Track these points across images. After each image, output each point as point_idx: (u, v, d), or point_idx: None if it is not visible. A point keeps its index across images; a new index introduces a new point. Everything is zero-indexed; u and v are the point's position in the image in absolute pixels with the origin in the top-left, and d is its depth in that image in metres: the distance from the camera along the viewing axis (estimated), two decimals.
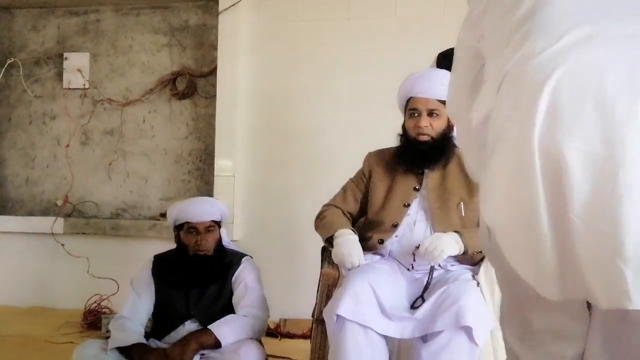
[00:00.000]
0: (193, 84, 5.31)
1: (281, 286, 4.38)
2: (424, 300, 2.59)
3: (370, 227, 2.93)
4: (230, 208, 4.37)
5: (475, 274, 2.70)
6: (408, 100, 2.91)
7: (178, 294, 3.16)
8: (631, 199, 1.20)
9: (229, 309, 3.12)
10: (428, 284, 2.67)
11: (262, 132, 5.04)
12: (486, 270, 2.68)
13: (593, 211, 1.23)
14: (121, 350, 2.95)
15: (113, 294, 4.86)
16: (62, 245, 5.15)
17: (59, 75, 5.51)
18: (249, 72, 5.04)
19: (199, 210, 3.18)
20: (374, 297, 2.57)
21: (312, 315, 3.04)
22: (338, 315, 2.53)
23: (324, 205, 3.09)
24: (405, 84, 2.93)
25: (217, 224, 3.24)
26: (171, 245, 3.39)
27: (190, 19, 5.37)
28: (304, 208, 4.77)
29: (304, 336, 4.49)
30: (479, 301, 2.48)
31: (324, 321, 2.67)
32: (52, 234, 5.18)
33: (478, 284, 2.62)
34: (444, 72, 2.95)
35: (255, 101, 5.04)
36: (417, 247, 2.71)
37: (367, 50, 4.82)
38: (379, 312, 2.55)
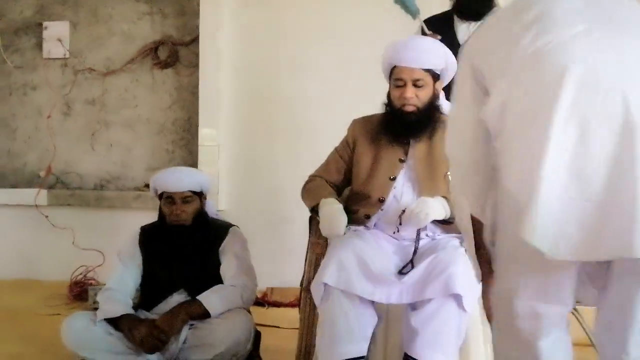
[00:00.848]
0: (175, 53, 5.25)
1: (267, 255, 4.38)
2: (413, 266, 2.59)
3: (356, 200, 2.90)
4: (215, 178, 4.38)
5: (462, 242, 2.71)
6: (392, 69, 2.85)
7: (165, 265, 3.16)
8: None
9: (217, 280, 3.13)
10: (416, 249, 2.67)
11: (246, 101, 5.01)
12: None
13: None
14: (110, 321, 2.97)
15: (99, 266, 4.85)
16: (46, 217, 5.12)
17: (39, 45, 5.42)
18: (232, 40, 4.99)
19: (176, 179, 3.16)
20: (357, 264, 2.57)
21: (301, 285, 3.05)
22: (324, 284, 2.54)
23: (310, 176, 3.06)
24: (389, 51, 2.86)
25: (198, 194, 3.20)
26: (156, 215, 3.38)
27: None
28: (290, 177, 4.75)
29: (291, 305, 4.52)
30: (467, 269, 2.49)
31: None
32: (36, 205, 5.15)
33: (466, 250, 2.62)
34: (429, 40, 2.95)
35: (239, 70, 5.00)
36: (403, 212, 2.70)
37: (353, 17, 4.78)
38: (364, 277, 2.55)
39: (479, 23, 3.42)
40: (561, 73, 1.54)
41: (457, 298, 2.41)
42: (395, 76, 2.82)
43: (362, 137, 2.98)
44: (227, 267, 3.13)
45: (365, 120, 3.04)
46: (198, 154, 5.02)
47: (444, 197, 2.70)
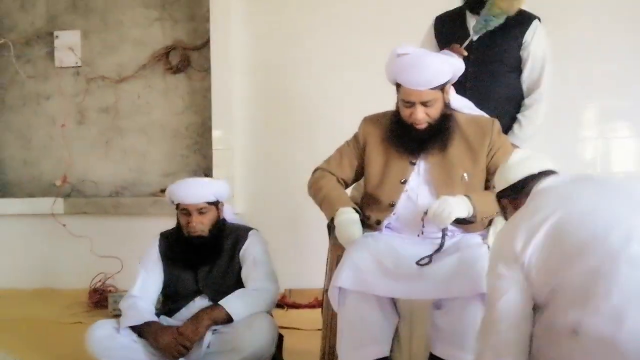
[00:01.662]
0: (187, 58, 5.28)
1: (285, 257, 4.37)
2: (430, 261, 2.56)
3: (368, 205, 2.87)
4: (230, 181, 4.37)
5: (484, 238, 2.70)
6: (399, 85, 2.76)
7: (186, 271, 3.18)
8: None
9: (239, 284, 3.14)
10: (441, 245, 2.63)
11: (259, 103, 5.01)
12: (495, 233, 2.67)
13: None
14: (133, 328, 2.97)
15: (117, 272, 4.88)
16: (64, 225, 5.15)
17: (51, 54, 5.45)
18: (243, 43, 5.00)
19: (190, 192, 3.14)
20: (373, 263, 2.56)
21: (324, 287, 3.03)
22: (340, 289, 2.54)
23: (319, 170, 3.01)
24: (393, 67, 2.75)
25: (214, 204, 3.20)
26: (173, 221, 3.38)
27: None
28: (305, 178, 4.74)
29: (310, 306, 4.54)
30: None
31: None
32: (53, 214, 5.18)
33: (489, 247, 2.61)
34: (433, 58, 2.78)
35: (250, 73, 5.01)
36: (425, 213, 2.65)
37: (363, 15, 4.78)
38: (382, 275, 2.54)
39: None
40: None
41: (483, 296, 2.40)
42: (403, 96, 2.74)
43: (372, 137, 2.93)
44: (249, 271, 3.13)
45: (376, 119, 2.98)
46: (212, 157, 5.03)
47: (466, 195, 2.65)
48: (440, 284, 2.49)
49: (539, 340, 1.82)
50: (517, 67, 3.37)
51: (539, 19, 3.38)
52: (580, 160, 4.78)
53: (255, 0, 5.01)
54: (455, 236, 2.73)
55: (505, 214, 2.18)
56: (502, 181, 2.15)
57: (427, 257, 2.57)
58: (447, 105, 2.80)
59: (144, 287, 3.17)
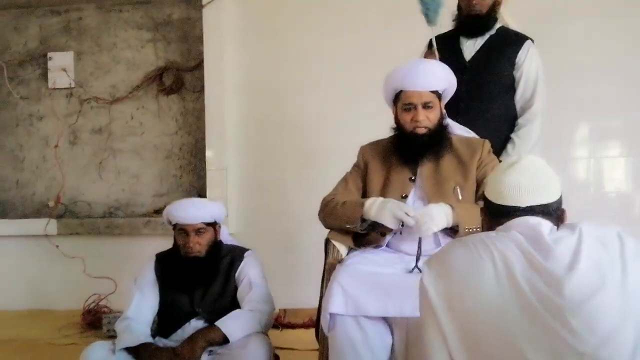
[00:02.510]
0: (180, 79, 5.30)
1: (279, 277, 4.35)
2: (418, 269, 2.60)
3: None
4: (223, 201, 4.38)
5: None
6: (398, 94, 2.88)
7: (182, 292, 3.17)
8: None
9: (234, 305, 3.13)
10: (418, 255, 2.67)
11: (253, 124, 5.04)
12: None
13: None
14: (129, 350, 2.96)
15: (111, 293, 4.87)
16: (57, 246, 5.14)
17: (44, 75, 5.47)
18: (237, 64, 5.03)
19: (187, 213, 3.15)
20: (362, 285, 2.57)
21: (319, 306, 3.03)
22: (331, 314, 2.54)
23: (328, 196, 3.02)
24: (394, 77, 2.88)
25: (211, 225, 3.21)
26: (167, 241, 3.40)
27: (174, 13, 5.35)
28: (299, 199, 4.80)
29: (304, 326, 4.52)
30: None
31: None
32: (46, 235, 5.16)
33: None
34: (432, 63, 2.98)
35: (244, 94, 5.04)
36: (402, 225, 2.69)
37: (357, 40, 4.83)
38: (373, 295, 2.55)
39: (485, 38, 3.45)
40: None
41: None
42: (403, 101, 2.85)
43: (372, 159, 3.02)
44: (244, 292, 3.13)
45: (373, 145, 3.09)
46: (206, 178, 5.04)
47: (449, 204, 2.68)
48: None
49: None
50: (511, 87, 3.43)
51: (532, 40, 3.43)
52: (573, 180, 4.81)
53: (249, 21, 5.03)
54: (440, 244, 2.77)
55: (482, 223, 1.99)
56: (490, 188, 1.88)
57: (413, 268, 2.65)
58: (443, 116, 2.92)
59: (140, 308, 3.16)
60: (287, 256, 4.85)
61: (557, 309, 1.58)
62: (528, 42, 3.41)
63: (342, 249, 2.90)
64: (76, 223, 5.26)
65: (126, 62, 5.39)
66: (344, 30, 4.85)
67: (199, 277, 3.15)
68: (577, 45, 4.61)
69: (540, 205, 1.77)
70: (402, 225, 2.71)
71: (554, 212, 1.79)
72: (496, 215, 1.82)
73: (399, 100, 2.88)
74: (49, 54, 5.44)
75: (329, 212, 2.95)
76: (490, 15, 3.46)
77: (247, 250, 3.30)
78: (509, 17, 3.56)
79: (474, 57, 3.42)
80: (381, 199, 2.78)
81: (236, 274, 3.19)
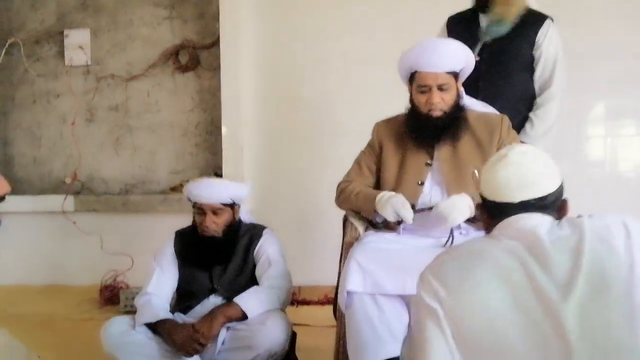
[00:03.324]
0: (196, 57, 5.30)
1: (295, 254, 4.36)
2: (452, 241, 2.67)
3: None
4: (239, 179, 4.40)
5: None
6: (413, 74, 2.84)
7: (201, 269, 3.20)
8: None
9: (253, 282, 3.16)
10: (451, 242, 2.71)
11: (269, 102, 5.03)
12: None
13: None
14: (148, 326, 2.99)
15: (128, 269, 4.92)
16: (74, 222, 5.18)
17: (61, 53, 5.47)
18: (253, 41, 5.01)
19: (206, 192, 3.16)
20: (379, 262, 2.58)
21: (337, 283, 3.05)
22: (348, 292, 2.56)
23: (342, 183, 3.03)
24: (409, 56, 2.83)
25: (230, 205, 3.22)
26: (183, 218, 3.44)
27: None
28: (315, 177, 4.81)
29: (320, 302, 4.56)
30: None
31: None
32: (63, 212, 5.20)
33: None
34: (448, 42, 2.92)
35: (260, 71, 5.03)
36: (430, 209, 2.70)
37: (375, 13, 4.80)
38: (391, 273, 2.56)
39: None
40: None
41: None
42: (419, 82, 2.81)
43: (387, 140, 3.00)
44: (263, 270, 3.16)
45: (388, 123, 3.06)
46: (222, 156, 5.05)
47: (470, 195, 2.67)
48: None
49: None
50: (530, 67, 3.41)
51: (552, 19, 3.41)
52: (588, 159, 4.81)
53: None
54: (468, 234, 2.76)
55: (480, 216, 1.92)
56: (483, 185, 1.84)
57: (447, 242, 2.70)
58: (460, 96, 2.87)
59: (159, 284, 3.19)
60: (303, 233, 4.86)
61: (558, 324, 1.52)
62: (548, 21, 3.39)
63: (359, 226, 2.92)
64: (93, 200, 5.29)
65: (142, 40, 5.39)
66: (363, 5, 4.82)
67: (216, 256, 3.18)
68: (595, 23, 4.58)
69: (535, 199, 1.70)
70: (402, 222, 2.72)
71: (551, 205, 1.72)
72: (492, 211, 1.77)
73: (414, 81, 2.84)
74: (66, 32, 5.44)
75: (344, 200, 2.97)
76: None
77: (266, 228, 3.32)
78: None
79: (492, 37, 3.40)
80: (390, 193, 2.76)
81: (255, 252, 3.21)
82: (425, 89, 2.79)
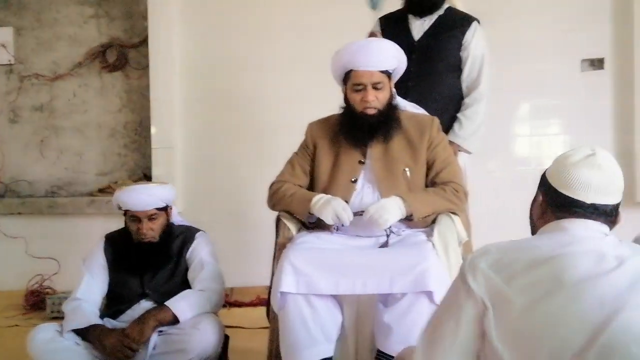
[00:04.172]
0: (124, 55, 5.22)
1: (227, 255, 4.33)
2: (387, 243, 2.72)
3: None
4: (170, 180, 4.35)
5: (429, 236, 2.76)
6: (347, 73, 2.87)
7: (132, 274, 3.14)
8: None
9: (185, 286, 3.13)
10: (386, 244, 2.74)
11: (199, 101, 4.99)
12: (440, 232, 2.75)
13: None
14: (77, 332, 2.93)
15: (54, 274, 4.81)
16: None
17: None
18: (183, 40, 4.96)
19: (138, 200, 3.10)
20: (313, 262, 2.59)
21: (270, 284, 3.05)
22: (282, 293, 2.56)
23: (274, 183, 3.03)
24: (344, 55, 2.86)
25: (163, 209, 3.18)
26: (112, 220, 3.38)
27: None
28: (249, 177, 4.78)
29: (252, 304, 4.55)
30: (437, 264, 2.55)
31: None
32: None
33: (433, 245, 2.68)
34: (382, 42, 2.97)
35: (191, 70, 4.98)
36: (362, 213, 2.73)
37: (307, 13, 4.80)
38: (325, 273, 2.57)
39: (434, 18, 3.48)
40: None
41: (429, 294, 2.46)
42: (354, 80, 2.84)
43: (321, 139, 3.01)
44: (195, 273, 3.12)
45: (322, 123, 3.08)
46: (151, 156, 4.98)
47: (400, 196, 2.74)
48: (382, 277, 2.53)
49: None
50: (458, 67, 3.48)
51: (478, 21, 3.48)
52: (514, 157, 4.93)
53: None
54: (401, 234, 2.80)
55: (533, 202, 1.86)
56: (556, 174, 1.76)
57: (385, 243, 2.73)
58: (393, 96, 2.92)
59: (88, 290, 3.12)
60: (235, 234, 4.82)
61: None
62: (475, 23, 3.46)
63: (292, 227, 2.92)
64: (17, 202, 5.14)
65: (68, 38, 5.26)
66: (294, 4, 4.83)
67: (151, 261, 3.12)
68: (519, 25, 4.69)
69: (603, 205, 1.70)
70: (342, 225, 2.76)
71: (612, 213, 1.73)
72: (556, 202, 1.73)
73: (349, 80, 2.86)
74: None
75: (277, 202, 2.97)
76: None
77: (199, 231, 3.29)
78: None
79: (422, 37, 3.46)
80: (327, 196, 2.79)
81: (187, 255, 3.18)
82: (360, 87, 2.83)
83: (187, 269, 3.17)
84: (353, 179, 2.88)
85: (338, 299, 2.66)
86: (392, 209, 2.68)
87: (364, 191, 2.88)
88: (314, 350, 2.54)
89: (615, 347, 1.46)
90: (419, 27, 3.49)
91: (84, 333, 2.92)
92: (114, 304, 3.17)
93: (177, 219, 3.35)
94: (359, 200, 2.85)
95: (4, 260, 5.06)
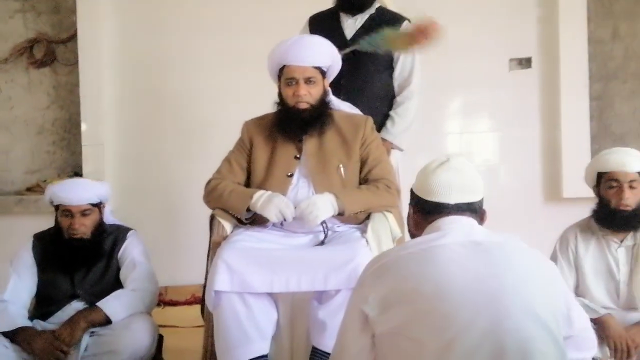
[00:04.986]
0: (52, 51, 5.10)
1: (160, 253, 4.30)
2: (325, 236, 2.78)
3: None
4: (100, 177, 4.29)
5: (363, 232, 2.81)
6: (282, 69, 2.92)
7: (62, 274, 3.09)
8: None
9: (117, 286, 3.09)
10: (324, 239, 2.80)
11: (129, 97, 4.92)
12: (373, 228, 2.80)
13: None
14: (5, 334, 2.87)
15: None
16: None
17: None
18: (113, 36, 4.89)
19: (73, 193, 3.06)
20: (247, 259, 2.61)
21: (204, 283, 3.03)
22: (216, 291, 2.57)
23: (212, 180, 3.01)
24: (277, 52, 2.92)
25: (96, 205, 3.14)
26: (41, 220, 3.32)
27: None
28: (181, 174, 4.75)
29: (187, 302, 4.52)
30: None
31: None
32: None
33: (367, 241, 2.72)
34: (316, 38, 3.02)
35: (122, 66, 4.91)
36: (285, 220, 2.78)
37: (239, 11, 4.79)
38: (259, 270, 2.59)
39: (365, 17, 3.51)
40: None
41: None
42: (286, 75, 2.89)
43: (257, 135, 3.04)
44: (128, 272, 3.10)
45: (258, 121, 3.11)
46: (81, 153, 4.89)
47: (332, 192, 2.79)
48: (316, 273, 2.56)
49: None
50: (389, 66, 3.53)
51: (409, 20, 3.53)
52: (446, 154, 5.00)
53: None
54: (336, 230, 2.83)
55: (408, 218, 2.05)
56: (419, 186, 1.95)
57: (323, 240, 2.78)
58: (326, 93, 2.98)
59: (16, 291, 3.05)
60: (168, 232, 4.79)
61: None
62: (406, 22, 3.51)
63: (227, 225, 2.91)
64: None
65: None
66: (225, 2, 4.81)
67: (82, 259, 3.08)
68: (449, 23, 4.76)
69: (467, 203, 1.87)
70: (285, 220, 2.78)
71: (478, 210, 1.90)
72: (425, 210, 1.91)
73: (283, 75, 2.92)
74: None
75: (215, 199, 2.96)
76: None
77: (130, 230, 3.26)
78: None
79: (355, 36, 3.49)
80: (268, 192, 2.81)
81: (119, 255, 3.15)
82: (292, 82, 2.88)
83: (119, 269, 3.14)
84: (289, 174, 2.92)
85: (273, 297, 2.68)
86: (324, 205, 2.73)
87: (299, 185, 2.92)
88: (248, 348, 2.55)
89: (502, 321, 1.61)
90: (351, 25, 3.53)
91: (12, 336, 2.86)
92: (43, 305, 3.11)
93: (109, 218, 3.31)
94: (294, 195, 2.89)
95: None
